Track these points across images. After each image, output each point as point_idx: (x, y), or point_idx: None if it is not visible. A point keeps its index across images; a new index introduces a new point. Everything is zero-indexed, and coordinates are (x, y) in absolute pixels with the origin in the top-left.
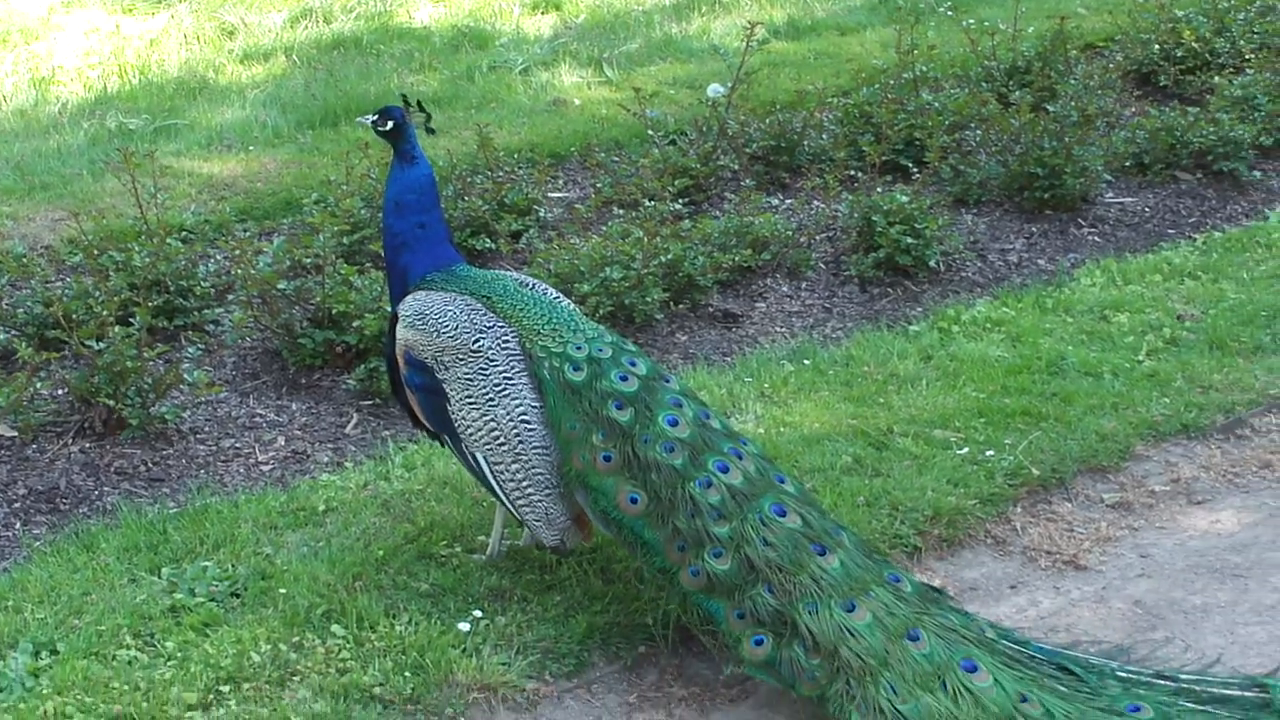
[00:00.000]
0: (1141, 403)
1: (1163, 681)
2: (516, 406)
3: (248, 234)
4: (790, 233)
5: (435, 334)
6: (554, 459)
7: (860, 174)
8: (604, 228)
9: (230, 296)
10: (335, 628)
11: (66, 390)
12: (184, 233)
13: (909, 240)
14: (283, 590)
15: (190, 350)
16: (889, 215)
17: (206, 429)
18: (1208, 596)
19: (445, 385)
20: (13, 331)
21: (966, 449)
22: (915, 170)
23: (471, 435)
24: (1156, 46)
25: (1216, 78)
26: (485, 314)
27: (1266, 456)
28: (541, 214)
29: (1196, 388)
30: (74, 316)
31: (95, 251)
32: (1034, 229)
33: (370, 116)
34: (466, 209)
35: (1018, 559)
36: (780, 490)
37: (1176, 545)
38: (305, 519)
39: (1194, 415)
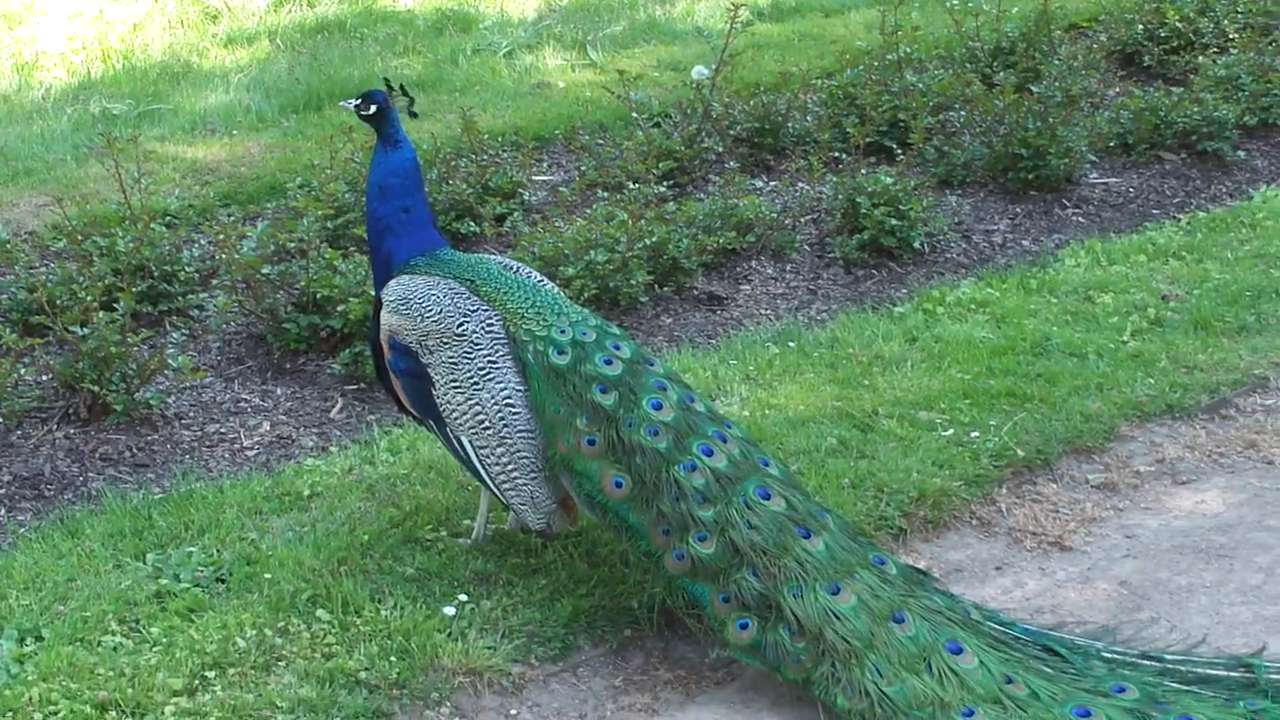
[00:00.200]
0: (1126, 383)
1: (1148, 662)
2: (501, 390)
3: (232, 219)
4: (775, 215)
5: (419, 318)
6: (539, 443)
7: (845, 155)
8: (588, 211)
9: (214, 281)
10: (320, 612)
11: (51, 376)
12: (168, 218)
13: (893, 222)
14: (268, 575)
15: (175, 335)
16: (873, 197)
17: (191, 414)
18: (1193, 577)
19: (430, 370)
20: None
21: (951, 430)
22: (900, 152)
23: (457, 419)
24: (1140, 26)
25: (1200, 57)
26: (469, 298)
27: (1251, 436)
28: (526, 197)
29: (1181, 368)
30: (58, 302)
31: (79, 237)
32: (1018, 210)
33: (353, 100)
34: (450, 193)
35: (1003, 540)
36: (765, 473)
37: (1162, 525)
38: (290, 504)
39: (1179, 395)
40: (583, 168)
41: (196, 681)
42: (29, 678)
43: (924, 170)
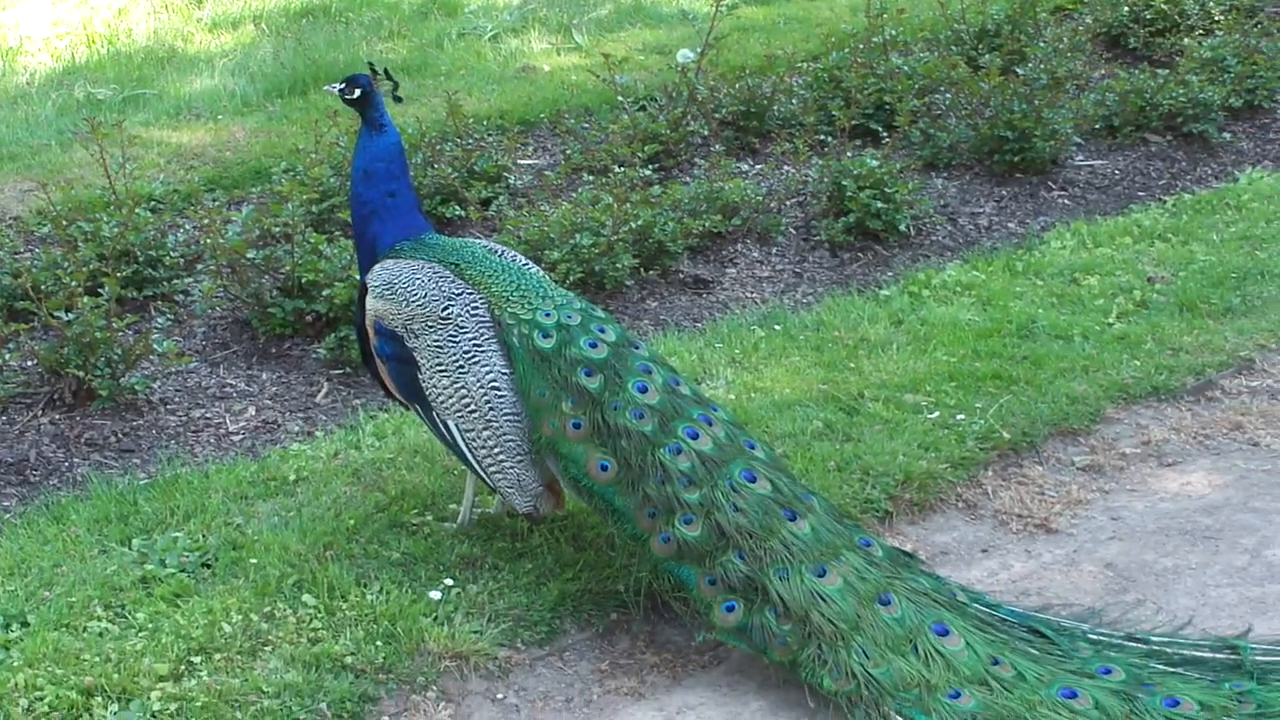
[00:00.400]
0: (1112, 365)
1: (1134, 644)
2: (487, 373)
3: (216, 203)
4: (760, 198)
5: (404, 302)
6: (525, 426)
7: (830, 138)
8: (574, 194)
9: (199, 266)
10: (306, 597)
11: (35, 361)
12: (153, 202)
13: (879, 205)
14: (254, 560)
15: (160, 320)
16: (859, 180)
17: (176, 399)
18: (1179, 559)
19: (415, 354)
20: None
21: (937, 413)
22: (885, 134)
23: (442, 403)
24: (1126, 9)
25: (1186, 39)
26: (454, 281)
27: (1237, 418)
28: (511, 181)
29: (1167, 350)
30: (43, 287)
31: (64, 222)
32: (1004, 192)
33: (338, 85)
34: (436, 177)
35: (989, 523)
36: (750, 456)
37: (1147, 508)
38: (276, 489)
39: (1164, 377)
40: (568, 151)
41: (182, 667)
42: (14, 663)
43: (909, 153)
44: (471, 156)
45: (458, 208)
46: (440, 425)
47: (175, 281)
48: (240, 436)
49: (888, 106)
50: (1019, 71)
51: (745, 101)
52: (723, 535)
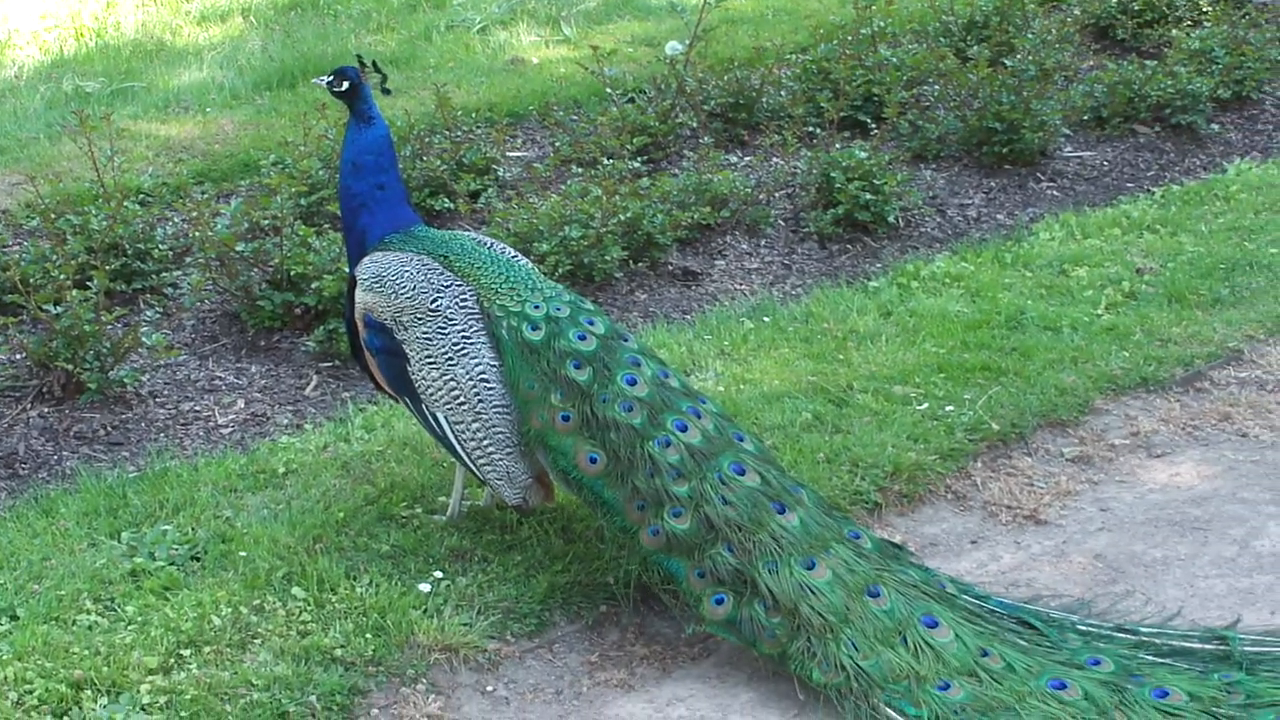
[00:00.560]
0: (1101, 357)
1: (1123, 635)
2: (475, 365)
3: (205, 196)
4: (749, 190)
5: (393, 295)
6: (514, 418)
7: (819, 130)
8: (563, 187)
9: (188, 259)
10: (296, 590)
11: (24, 355)
12: (141, 195)
13: (868, 196)
14: (243, 553)
15: (148, 313)
16: (848, 171)
17: (165, 392)
18: (1168, 549)
19: (404, 346)
20: None
21: (926, 404)
22: (874, 126)
23: (432, 395)
24: (1114, 0)
25: (1174, 30)
26: (442, 273)
27: (1225, 409)
28: (500, 173)
29: (1155, 341)
30: (31, 281)
31: (52, 215)
32: (992, 184)
33: (325, 78)
34: (424, 169)
35: (978, 514)
36: (739, 449)
37: (1136, 499)
38: (265, 481)
39: (1153, 369)
40: (557, 144)
41: (172, 660)
42: (4, 657)
43: (898, 145)
44: (460, 149)
45: (446, 200)
46: (429, 418)
47: (164, 274)
48: (229, 429)
49: (876, 98)
50: (1007, 63)
51: (734, 93)
52: (711, 528)
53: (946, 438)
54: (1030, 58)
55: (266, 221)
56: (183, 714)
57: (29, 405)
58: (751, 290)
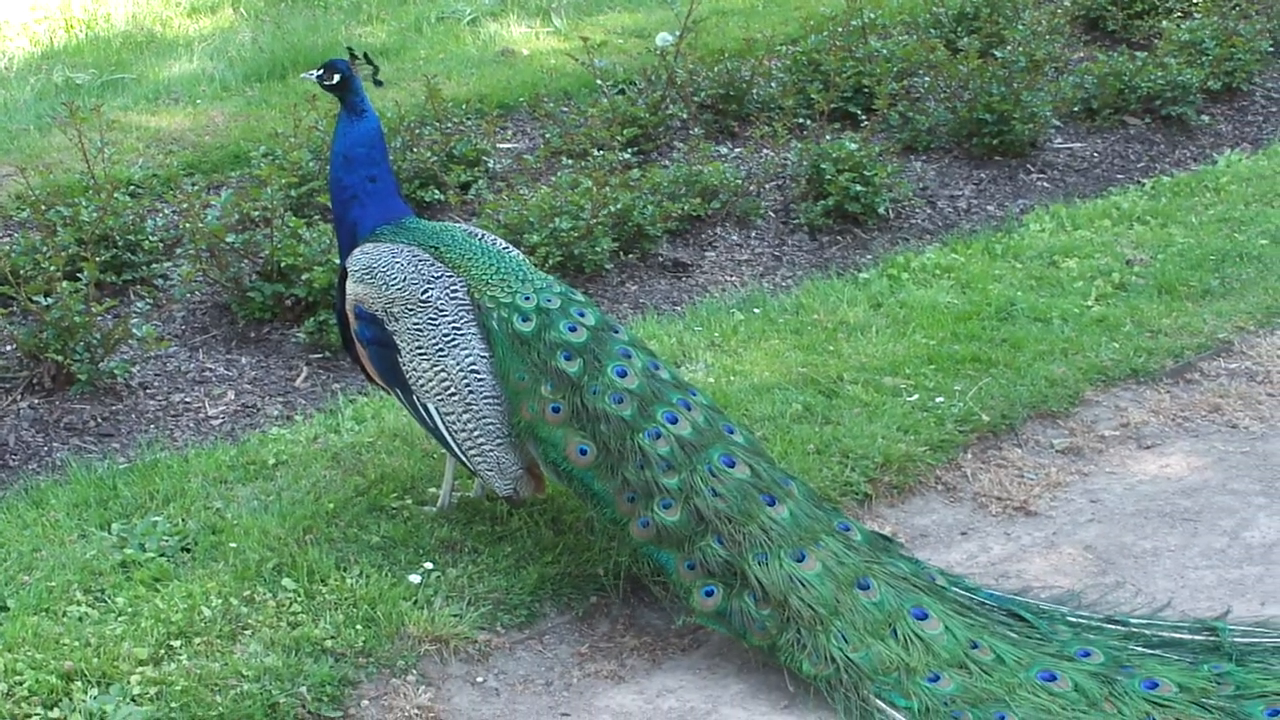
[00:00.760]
0: (1091, 348)
1: (1113, 626)
2: (466, 357)
3: (195, 188)
4: (739, 181)
5: (384, 286)
6: (505, 409)
7: (809, 122)
8: (553, 178)
9: (179, 250)
10: (286, 581)
11: (14, 346)
12: (132, 187)
13: (858, 188)
14: (233, 544)
15: (139, 305)
16: (838, 163)
17: (156, 384)
18: (1158, 541)
19: (395, 337)
20: None
21: (917, 396)
22: (864, 117)
23: (422, 386)
24: None
25: (1164, 22)
26: (433, 264)
27: (1215, 400)
28: (490, 165)
29: (1145, 332)
30: (21, 272)
31: (43, 207)
32: (983, 175)
33: (315, 72)
34: (415, 161)
35: (968, 505)
36: (729, 441)
37: (1126, 490)
38: (255, 473)
39: (1143, 360)
40: (547, 135)
41: (162, 651)
42: None
43: (888, 136)
44: (450, 140)
45: (437, 192)
46: (420, 409)
47: (154, 266)
48: (220, 421)
49: (866, 89)
50: (997, 54)
51: (724, 85)
52: (701, 520)
53: (937, 429)
54: (1020, 49)
55: (257, 213)
56: (173, 705)
57: (19, 396)
58: (742, 282)
